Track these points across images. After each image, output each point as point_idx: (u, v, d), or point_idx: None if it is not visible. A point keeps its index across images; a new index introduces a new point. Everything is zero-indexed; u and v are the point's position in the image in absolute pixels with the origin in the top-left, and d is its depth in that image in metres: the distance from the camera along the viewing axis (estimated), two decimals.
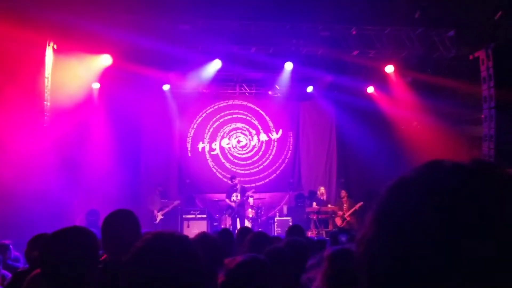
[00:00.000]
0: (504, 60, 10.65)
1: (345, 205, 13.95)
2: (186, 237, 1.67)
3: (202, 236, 3.61)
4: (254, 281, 2.40)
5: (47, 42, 10.49)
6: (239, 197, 13.79)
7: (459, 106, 12.12)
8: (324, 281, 2.72)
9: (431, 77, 12.68)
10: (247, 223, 13.85)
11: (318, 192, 14.23)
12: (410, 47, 11.83)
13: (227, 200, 13.91)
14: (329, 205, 14.01)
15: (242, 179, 15.56)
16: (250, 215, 14.33)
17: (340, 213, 13.82)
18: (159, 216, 13.60)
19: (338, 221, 13.77)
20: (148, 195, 13.92)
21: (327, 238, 11.26)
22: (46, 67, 10.61)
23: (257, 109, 16.71)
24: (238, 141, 16.65)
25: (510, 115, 10.48)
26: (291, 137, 16.87)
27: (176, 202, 14.11)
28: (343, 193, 14.11)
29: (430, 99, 12.99)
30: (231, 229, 10.74)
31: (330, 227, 13.54)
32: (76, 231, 2.19)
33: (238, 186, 13.98)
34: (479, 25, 10.69)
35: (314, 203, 14.04)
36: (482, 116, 11.36)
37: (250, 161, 16.63)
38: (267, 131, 16.77)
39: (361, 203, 13.66)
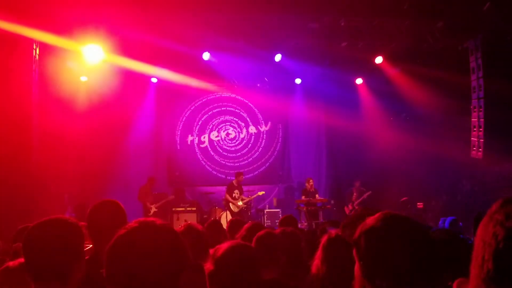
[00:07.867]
0: (493, 51, 10.71)
1: (354, 193, 14.05)
2: (168, 225, 1.62)
3: (187, 227, 3.58)
4: (243, 267, 2.37)
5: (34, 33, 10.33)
6: (238, 194, 13.81)
7: (448, 96, 12.14)
8: (322, 261, 2.72)
9: (420, 68, 12.69)
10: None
11: (307, 184, 14.15)
12: (399, 38, 11.81)
13: (228, 196, 13.85)
14: (316, 196, 13.97)
15: (231, 171, 15.53)
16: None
17: (350, 204, 14.00)
18: (153, 209, 13.52)
19: (346, 210, 13.92)
20: (139, 187, 13.80)
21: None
22: (34, 60, 10.49)
23: (246, 101, 16.65)
24: (227, 134, 16.60)
25: (499, 105, 10.54)
26: (280, 129, 16.85)
27: (171, 197, 14.09)
28: (357, 183, 14.17)
29: (419, 90, 13.01)
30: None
31: (320, 219, 13.53)
32: (59, 222, 2.15)
33: (240, 186, 14.01)
34: (467, 16, 10.70)
35: (303, 196, 14.01)
36: (471, 106, 11.41)
37: (239, 154, 16.59)
38: (256, 123, 16.73)
39: (370, 192, 13.79)
